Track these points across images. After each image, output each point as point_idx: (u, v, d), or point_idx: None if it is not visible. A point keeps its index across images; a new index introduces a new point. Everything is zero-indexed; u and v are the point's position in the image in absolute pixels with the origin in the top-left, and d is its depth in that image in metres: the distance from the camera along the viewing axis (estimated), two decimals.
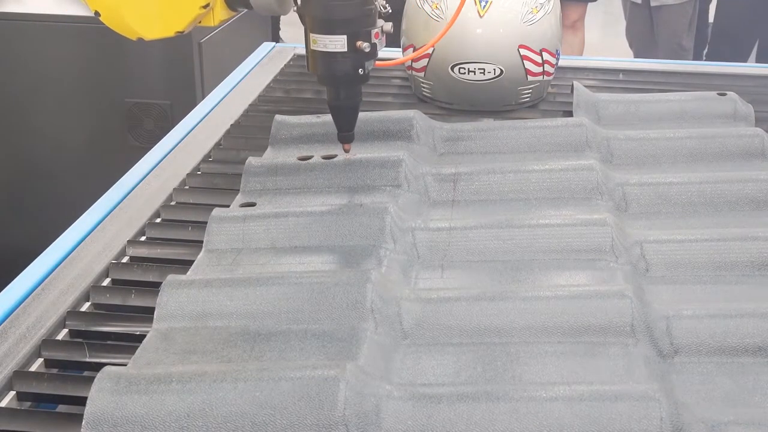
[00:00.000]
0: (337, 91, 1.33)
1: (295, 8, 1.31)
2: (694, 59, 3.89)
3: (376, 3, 1.28)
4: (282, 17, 5.23)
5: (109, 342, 1.09)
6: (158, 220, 1.36)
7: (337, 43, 1.26)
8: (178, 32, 1.28)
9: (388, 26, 1.30)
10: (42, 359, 1.05)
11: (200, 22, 1.32)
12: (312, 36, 1.28)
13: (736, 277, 1.17)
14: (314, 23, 1.27)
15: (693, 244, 1.21)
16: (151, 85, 2.50)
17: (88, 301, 1.16)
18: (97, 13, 1.25)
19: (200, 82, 2.50)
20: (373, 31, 1.27)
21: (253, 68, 2.04)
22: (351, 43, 1.25)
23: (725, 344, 1.02)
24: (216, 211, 1.29)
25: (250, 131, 1.69)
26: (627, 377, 0.97)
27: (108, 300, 1.16)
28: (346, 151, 1.39)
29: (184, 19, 1.28)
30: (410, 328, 1.05)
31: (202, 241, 1.25)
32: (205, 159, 1.57)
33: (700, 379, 0.99)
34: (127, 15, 1.26)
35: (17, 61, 2.51)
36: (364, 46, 1.26)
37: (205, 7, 1.27)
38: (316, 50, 1.28)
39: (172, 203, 1.41)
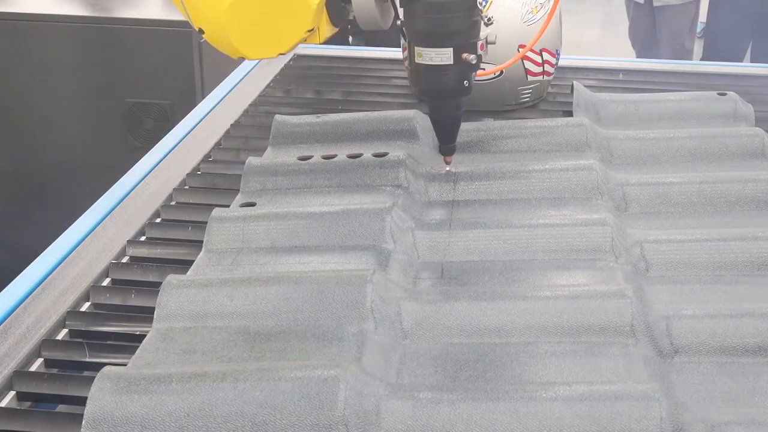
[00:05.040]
0: (441, 104, 1.32)
1: (399, 21, 1.29)
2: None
3: (481, 14, 1.25)
4: None
5: (109, 342, 1.09)
6: (158, 220, 1.37)
7: (444, 56, 1.23)
8: (281, 54, 1.28)
9: (493, 37, 1.27)
10: (42, 359, 1.06)
11: (306, 40, 1.31)
12: (417, 49, 1.25)
13: (736, 277, 1.17)
14: (419, 36, 1.25)
15: (693, 244, 1.21)
16: (151, 85, 2.50)
17: (88, 301, 1.16)
18: (201, 31, 1.25)
19: (200, 82, 2.49)
20: (479, 43, 1.25)
21: (253, 68, 2.04)
22: (457, 55, 1.23)
23: (725, 344, 1.02)
24: (216, 211, 1.28)
25: (250, 131, 1.69)
26: (627, 377, 0.97)
27: (108, 300, 1.16)
28: (448, 163, 1.37)
29: (290, 41, 1.28)
30: (410, 328, 1.05)
31: (202, 241, 1.25)
32: (205, 159, 1.57)
33: (700, 379, 0.99)
34: (233, 36, 1.25)
35: (17, 61, 2.51)
36: (471, 58, 1.24)
37: (310, 30, 1.27)
38: (421, 63, 1.26)
39: (172, 203, 1.41)
